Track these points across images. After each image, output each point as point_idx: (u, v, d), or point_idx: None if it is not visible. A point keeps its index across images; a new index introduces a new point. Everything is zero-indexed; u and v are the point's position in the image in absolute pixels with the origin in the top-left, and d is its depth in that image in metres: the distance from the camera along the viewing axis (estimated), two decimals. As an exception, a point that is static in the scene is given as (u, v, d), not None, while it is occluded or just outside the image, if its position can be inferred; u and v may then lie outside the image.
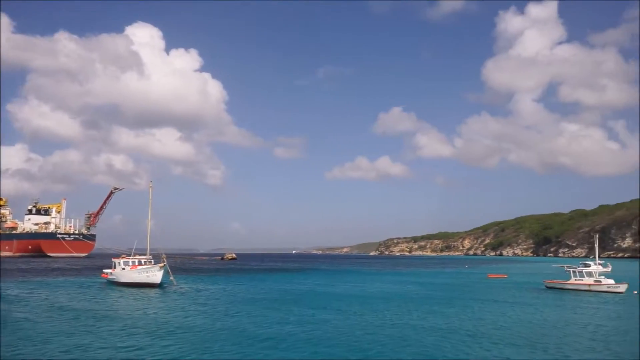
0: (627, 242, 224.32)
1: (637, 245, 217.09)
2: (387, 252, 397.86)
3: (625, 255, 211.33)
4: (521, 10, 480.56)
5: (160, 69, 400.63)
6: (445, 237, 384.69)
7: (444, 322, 26.67)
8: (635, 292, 43.00)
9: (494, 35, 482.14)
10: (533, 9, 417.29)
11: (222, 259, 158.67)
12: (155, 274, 46.33)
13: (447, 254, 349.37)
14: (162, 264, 46.45)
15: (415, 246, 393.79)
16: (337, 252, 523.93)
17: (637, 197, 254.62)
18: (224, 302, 35.92)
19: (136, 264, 49.10)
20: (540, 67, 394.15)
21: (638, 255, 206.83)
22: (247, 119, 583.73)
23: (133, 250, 53.51)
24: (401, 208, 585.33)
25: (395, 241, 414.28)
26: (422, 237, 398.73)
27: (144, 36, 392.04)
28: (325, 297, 39.66)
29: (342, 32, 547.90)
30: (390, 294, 43.67)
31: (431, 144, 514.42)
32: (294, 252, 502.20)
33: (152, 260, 50.00)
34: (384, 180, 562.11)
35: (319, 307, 32.71)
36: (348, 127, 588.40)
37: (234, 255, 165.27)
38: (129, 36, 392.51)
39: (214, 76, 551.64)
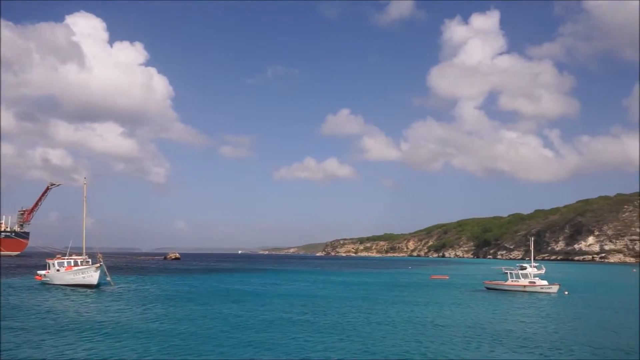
0: (560, 245, 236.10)
1: (569, 248, 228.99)
2: (333, 253, 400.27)
3: (558, 258, 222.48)
4: (466, 20, 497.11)
5: (103, 61, 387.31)
6: (391, 238, 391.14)
7: (381, 320, 26.96)
8: (567, 293, 45.18)
9: (439, 43, 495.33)
10: (476, 20, 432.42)
11: (165, 258, 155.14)
12: (91, 275, 44.49)
13: (392, 255, 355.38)
14: (99, 264, 44.67)
15: (361, 247, 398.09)
16: (283, 253, 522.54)
17: (570, 202, 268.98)
18: (162, 303, 34.87)
19: (72, 264, 46.96)
20: (482, 76, 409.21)
21: (569, 257, 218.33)
22: (194, 116, 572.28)
23: (68, 250, 51.22)
24: (348, 209, 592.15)
25: (341, 242, 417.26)
26: (368, 239, 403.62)
27: (86, 27, 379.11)
28: (267, 298, 39.32)
29: (291, 32, 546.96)
30: (334, 293, 43.80)
31: (378, 146, 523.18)
32: (239, 252, 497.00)
33: (90, 261, 47.99)
34: (332, 181, 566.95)
35: (261, 308, 32.38)
36: (296, 127, 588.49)
37: (177, 255, 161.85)
38: (69, 26, 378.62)
39: (160, 71, 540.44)
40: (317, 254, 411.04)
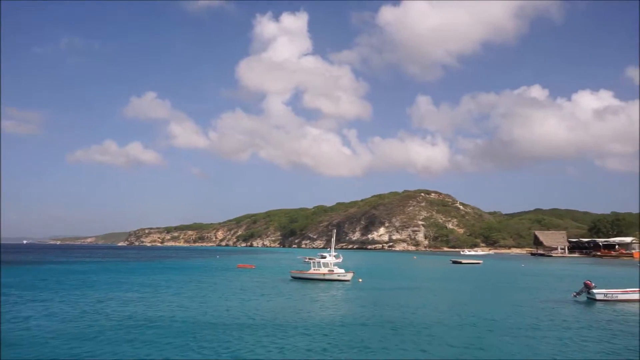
0: (357, 235, 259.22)
1: (364, 238, 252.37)
2: (137, 243, 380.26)
3: (355, 247, 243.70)
4: (276, 18, 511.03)
5: None
6: (200, 228, 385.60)
7: (174, 312, 25.17)
8: (360, 280, 48.47)
9: (249, 37, 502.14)
10: (286, 19, 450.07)
11: None
12: None
13: (200, 244, 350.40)
14: None
15: (168, 237, 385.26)
16: (79, 243, 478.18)
17: (366, 196, 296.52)
18: None
19: None
20: (289, 73, 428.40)
21: (364, 246, 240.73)
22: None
23: None
24: (154, 197, 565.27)
25: (146, 231, 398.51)
26: (176, 228, 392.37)
27: None
28: (42, 293, 34.31)
29: (91, 3, 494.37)
30: (126, 286, 40.22)
31: (186, 134, 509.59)
32: (24, 242, 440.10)
33: None
34: (135, 166, 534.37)
35: (35, 304, 27.90)
36: (95, 107, 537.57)
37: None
38: None
39: None
40: (119, 244, 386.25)
